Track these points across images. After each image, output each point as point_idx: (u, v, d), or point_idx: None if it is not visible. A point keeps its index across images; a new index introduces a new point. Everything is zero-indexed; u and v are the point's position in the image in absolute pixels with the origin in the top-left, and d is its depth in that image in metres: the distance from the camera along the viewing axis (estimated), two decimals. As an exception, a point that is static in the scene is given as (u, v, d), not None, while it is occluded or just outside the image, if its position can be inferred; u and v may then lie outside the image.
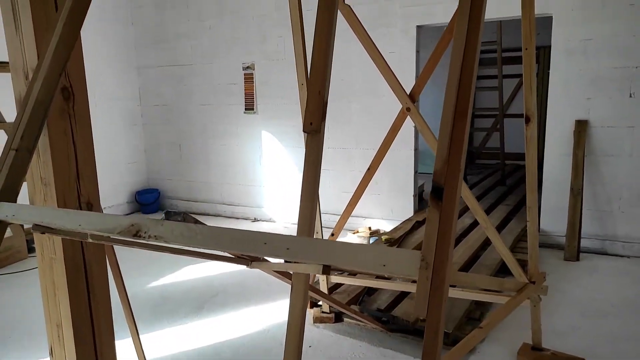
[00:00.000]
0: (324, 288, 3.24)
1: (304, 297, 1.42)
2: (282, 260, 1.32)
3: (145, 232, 0.98)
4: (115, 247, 1.93)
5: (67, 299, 1.53)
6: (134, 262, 4.65)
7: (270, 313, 3.46)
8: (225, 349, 3.03)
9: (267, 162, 5.85)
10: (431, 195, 0.91)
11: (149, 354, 2.98)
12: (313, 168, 1.33)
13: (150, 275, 4.28)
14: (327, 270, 0.89)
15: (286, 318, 1.43)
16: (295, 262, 1.12)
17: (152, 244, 1.09)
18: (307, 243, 0.92)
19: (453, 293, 2.93)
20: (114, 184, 6.20)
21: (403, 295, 3.31)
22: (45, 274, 1.61)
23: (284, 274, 1.70)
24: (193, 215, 1.24)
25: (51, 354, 1.65)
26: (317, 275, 3.11)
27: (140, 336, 3.22)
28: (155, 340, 3.17)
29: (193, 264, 4.51)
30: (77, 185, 1.51)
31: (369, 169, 2.98)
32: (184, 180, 6.46)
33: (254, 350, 2.99)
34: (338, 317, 3.35)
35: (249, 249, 0.94)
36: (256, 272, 4.26)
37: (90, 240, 1.11)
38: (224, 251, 0.96)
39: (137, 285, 4.06)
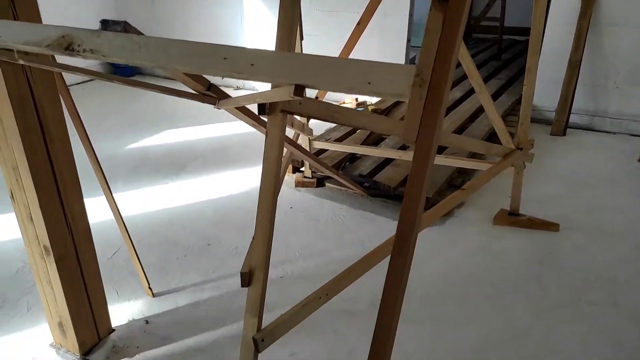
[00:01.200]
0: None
1: (279, 142, 1.31)
2: (253, 100, 1.17)
3: (79, 46, 0.81)
4: (86, 105, 1.75)
5: (19, 139, 1.40)
6: (111, 124, 4.49)
7: (253, 177, 3.43)
8: (207, 208, 3.03)
9: (249, 25, 5.40)
10: None
11: (130, 211, 2.97)
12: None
13: (129, 137, 4.15)
14: (299, 91, 0.74)
15: (261, 164, 1.33)
16: (264, 92, 0.98)
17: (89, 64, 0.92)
18: (274, 58, 0.76)
19: (436, 160, 2.88)
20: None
21: (386, 162, 3.27)
22: (-6, 114, 1.45)
23: (258, 121, 1.56)
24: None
25: (12, 198, 1.56)
26: (299, 138, 3.01)
27: (121, 194, 3.19)
28: (136, 198, 3.15)
29: (173, 128, 4.37)
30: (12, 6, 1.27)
31: (358, 23, 2.71)
32: (161, 42, 6.00)
33: (236, 209, 3.00)
34: (320, 183, 3.33)
35: (205, 64, 0.78)
36: (237, 139, 4.16)
37: (21, 62, 0.93)
38: (176, 69, 0.79)
39: (116, 146, 3.95)
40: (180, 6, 5.69)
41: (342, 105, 4.95)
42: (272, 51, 0.77)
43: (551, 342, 1.95)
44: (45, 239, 1.57)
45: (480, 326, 2.04)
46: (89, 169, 1.97)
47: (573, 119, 4.28)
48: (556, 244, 2.60)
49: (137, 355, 1.91)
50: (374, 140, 3.65)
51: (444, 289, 2.27)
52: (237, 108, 1.31)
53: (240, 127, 4.31)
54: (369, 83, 0.71)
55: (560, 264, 2.44)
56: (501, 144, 2.46)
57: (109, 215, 2.13)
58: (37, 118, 1.40)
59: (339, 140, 3.54)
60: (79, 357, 1.80)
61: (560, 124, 4.15)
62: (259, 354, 1.39)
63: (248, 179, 3.39)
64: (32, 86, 1.35)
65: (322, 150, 3.39)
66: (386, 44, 4.82)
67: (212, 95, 1.15)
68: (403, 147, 3.44)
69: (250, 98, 1.05)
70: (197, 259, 2.53)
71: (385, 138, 3.69)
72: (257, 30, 5.39)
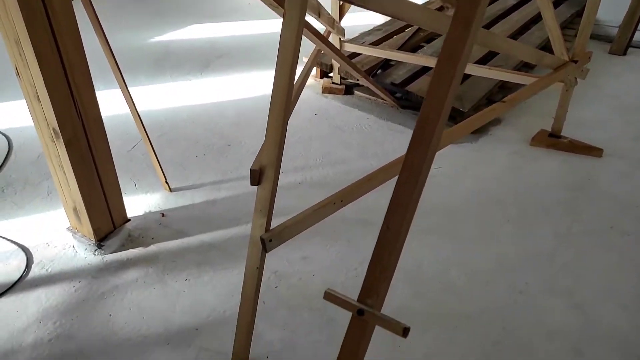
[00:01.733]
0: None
1: (297, 27, 1.15)
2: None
3: None
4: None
5: (17, 7, 1.27)
6: (135, 16, 4.30)
7: (278, 79, 3.26)
8: (229, 108, 2.93)
9: None
10: None
11: (152, 105, 2.91)
12: None
13: (153, 30, 3.98)
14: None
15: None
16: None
17: None
18: None
19: (478, 71, 2.64)
20: None
21: (422, 71, 3.04)
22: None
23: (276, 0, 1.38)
24: None
25: (18, 74, 1.48)
26: (329, 37, 2.78)
27: (143, 87, 3.11)
28: (159, 92, 3.07)
29: (199, 23, 4.15)
30: None
31: None
32: None
33: (258, 111, 2.89)
34: (348, 90, 3.15)
35: None
36: (264, 39, 3.93)
37: None
38: None
39: (140, 39, 3.80)
40: None
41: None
42: None
43: (575, 268, 1.86)
44: (53, 121, 1.51)
45: (501, 247, 1.96)
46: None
47: (638, 36, 3.82)
48: (596, 170, 2.41)
49: (151, 246, 1.93)
50: (411, 47, 3.37)
51: (467, 207, 2.17)
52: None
53: (267, 26, 4.06)
54: None
55: (597, 191, 2.27)
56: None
57: (127, 106, 2.05)
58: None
59: (374, 44, 3.29)
60: (94, 242, 1.82)
61: (622, 42, 3.72)
62: (268, 254, 1.35)
63: (270, 82, 3.23)
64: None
65: (354, 55, 3.16)
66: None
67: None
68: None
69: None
70: (216, 158, 2.48)
71: (423, 45, 3.41)
72: None
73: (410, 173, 0.58)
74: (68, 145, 1.57)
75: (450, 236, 2.01)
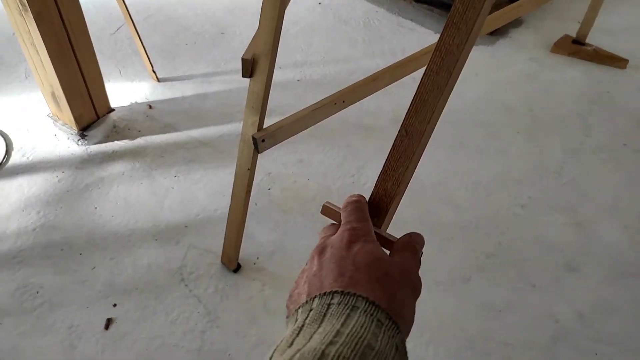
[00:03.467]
0: None
1: None
2: None
3: None
4: None
5: None
6: None
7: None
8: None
9: None
10: None
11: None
12: None
13: None
14: None
15: None
16: None
17: None
18: None
19: (504, -38, 2.34)
20: None
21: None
22: None
23: None
24: None
25: None
26: None
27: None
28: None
29: None
30: None
31: None
32: None
33: (255, -3, 2.62)
34: (357, -22, 2.84)
35: None
36: None
37: None
38: None
39: None
40: None
41: None
42: None
43: (582, 185, 1.79)
44: (17, -10, 1.31)
45: (507, 159, 1.87)
46: None
47: None
48: (617, 83, 2.25)
49: (138, 139, 1.82)
50: None
51: (476, 115, 2.04)
52: None
53: None
54: None
55: (615, 105, 2.13)
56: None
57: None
58: None
59: None
60: (76, 131, 1.71)
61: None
62: (261, 155, 1.25)
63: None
64: None
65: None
66: None
67: None
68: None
69: None
70: (208, 47, 2.27)
71: None
72: None
73: (444, 60, 0.45)
74: (38, 20, 1.39)
75: (454, 145, 1.91)
